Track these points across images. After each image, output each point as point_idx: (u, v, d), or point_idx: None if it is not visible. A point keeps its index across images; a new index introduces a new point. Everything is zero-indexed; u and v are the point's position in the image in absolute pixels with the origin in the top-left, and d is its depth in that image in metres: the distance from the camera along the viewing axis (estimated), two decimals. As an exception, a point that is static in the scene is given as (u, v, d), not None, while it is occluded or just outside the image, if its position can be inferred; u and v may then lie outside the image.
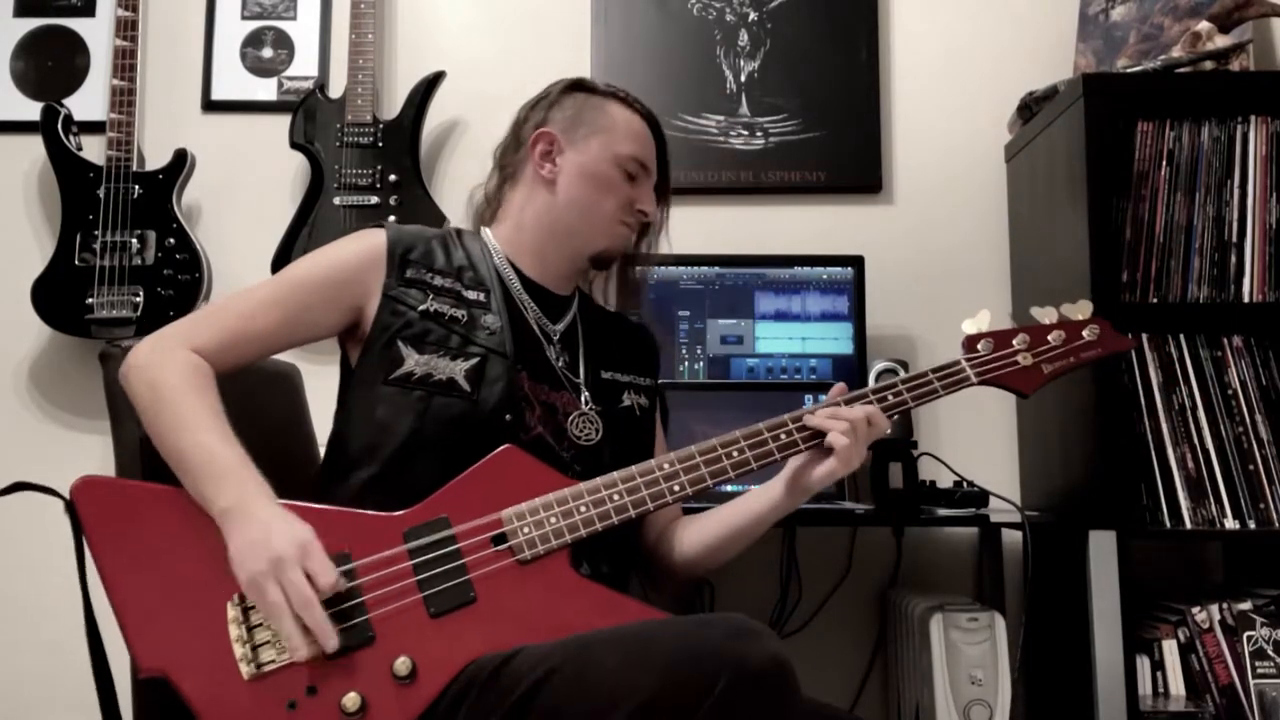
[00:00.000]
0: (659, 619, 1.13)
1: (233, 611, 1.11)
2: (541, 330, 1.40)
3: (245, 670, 1.08)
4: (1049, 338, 1.41)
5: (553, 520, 1.20)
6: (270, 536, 1.09)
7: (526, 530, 1.19)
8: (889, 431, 1.35)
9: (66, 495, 1.15)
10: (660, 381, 1.54)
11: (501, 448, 1.23)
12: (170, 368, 1.21)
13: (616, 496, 1.23)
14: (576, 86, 1.47)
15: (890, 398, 1.34)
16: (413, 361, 1.29)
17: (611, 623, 1.11)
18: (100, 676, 1.17)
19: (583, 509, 1.21)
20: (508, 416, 1.30)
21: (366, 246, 1.35)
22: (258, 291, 1.32)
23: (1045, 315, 1.43)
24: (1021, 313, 2.16)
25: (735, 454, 1.28)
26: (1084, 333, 1.42)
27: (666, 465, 1.26)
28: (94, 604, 1.16)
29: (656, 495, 1.24)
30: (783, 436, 1.30)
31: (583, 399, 1.37)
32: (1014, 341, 1.41)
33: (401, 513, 1.19)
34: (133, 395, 1.21)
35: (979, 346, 1.40)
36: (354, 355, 1.35)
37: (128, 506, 1.15)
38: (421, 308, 1.32)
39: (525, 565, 1.17)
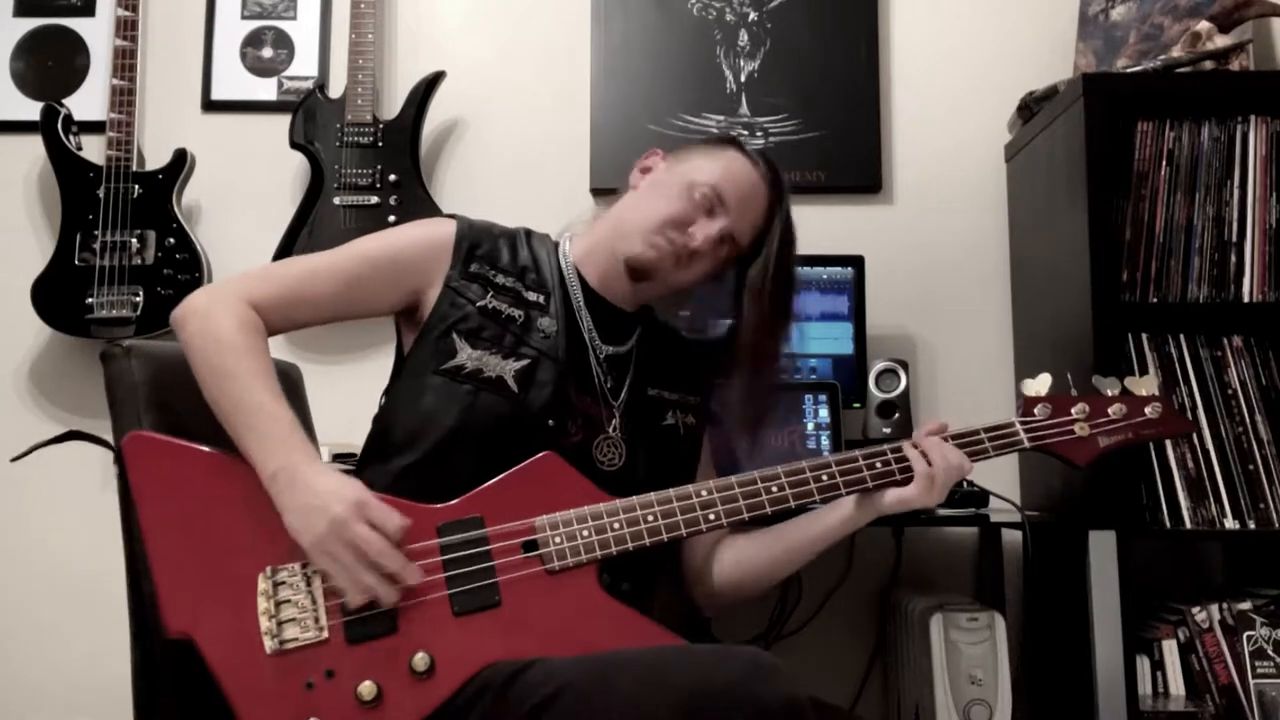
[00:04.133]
0: (678, 646, 1.13)
1: (263, 584, 1.12)
2: (593, 345, 1.38)
3: (268, 644, 1.09)
4: (1109, 410, 1.37)
5: (585, 534, 1.20)
6: (326, 500, 1.10)
7: (558, 540, 1.19)
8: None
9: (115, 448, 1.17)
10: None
11: (542, 454, 1.23)
12: (226, 319, 1.22)
13: (651, 518, 1.22)
14: (723, 140, 1.49)
15: None
16: (465, 355, 1.29)
17: (632, 644, 1.11)
18: (139, 634, 1.18)
19: (616, 526, 1.21)
20: (550, 422, 1.29)
21: (435, 234, 1.35)
22: (320, 258, 1.33)
23: (1108, 386, 1.39)
24: (1022, 312, 2.16)
25: (774, 489, 1.27)
26: (1146, 410, 1.38)
27: (704, 492, 1.25)
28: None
29: (691, 522, 1.24)
30: (824, 478, 1.28)
31: (612, 425, 1.36)
32: (1073, 410, 1.36)
33: (438, 506, 1.19)
34: (185, 340, 1.22)
35: (1035, 410, 1.36)
36: (408, 340, 1.36)
37: (175, 466, 1.16)
38: (480, 303, 1.32)
39: (553, 575, 1.17)
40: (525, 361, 1.31)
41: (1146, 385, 1.40)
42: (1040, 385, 1.39)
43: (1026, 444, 1.35)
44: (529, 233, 1.45)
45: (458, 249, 1.34)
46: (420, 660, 1.10)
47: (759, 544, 1.40)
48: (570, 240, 1.45)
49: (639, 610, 1.21)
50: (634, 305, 1.44)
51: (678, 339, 1.51)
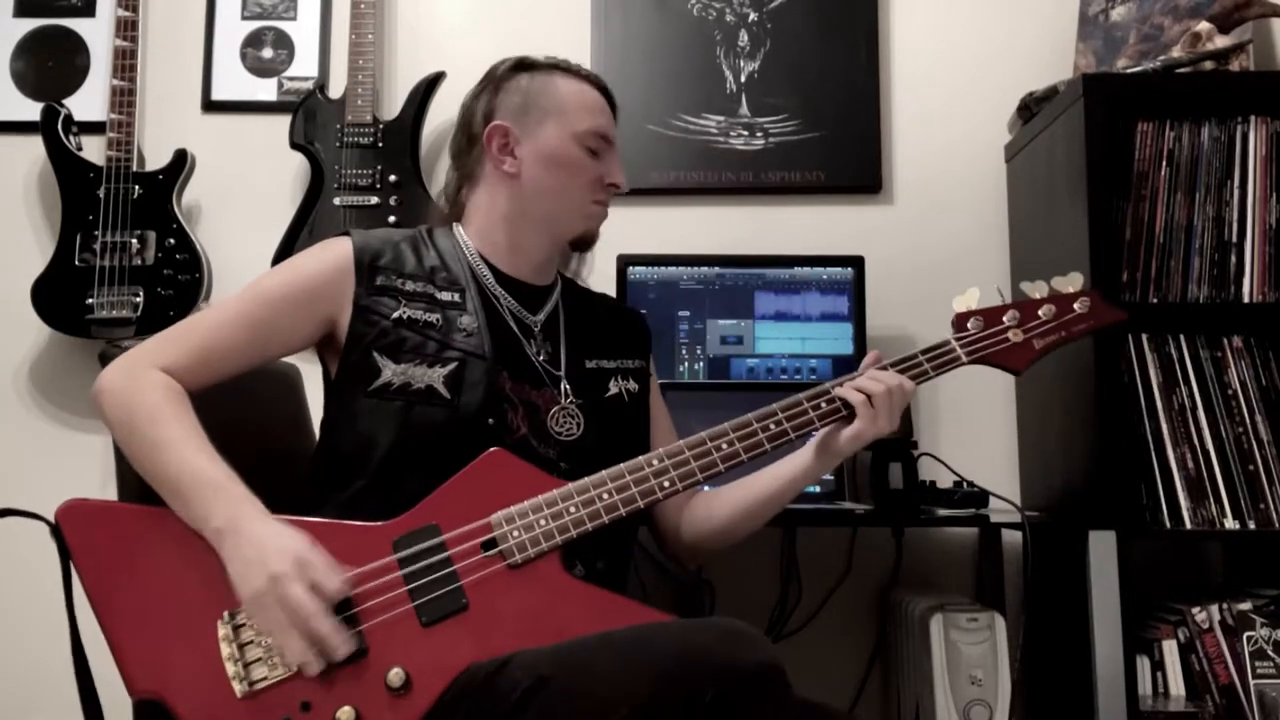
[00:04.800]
0: (653, 623, 1.12)
1: (223, 630, 1.10)
2: (520, 324, 1.37)
3: (238, 688, 1.08)
4: (1039, 312, 1.39)
5: (542, 522, 1.19)
6: (266, 554, 1.09)
7: (516, 534, 1.18)
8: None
9: (52, 517, 1.14)
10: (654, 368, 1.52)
11: (488, 451, 1.22)
12: (144, 388, 1.19)
13: (606, 495, 1.22)
14: (518, 68, 1.42)
15: None
16: (390, 371, 1.27)
17: (606, 623, 1.11)
18: (87, 701, 1.16)
19: (572, 509, 1.20)
20: (490, 420, 1.28)
21: (333, 257, 1.31)
22: (226, 309, 1.29)
23: (1035, 289, 1.41)
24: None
25: (724, 446, 1.28)
26: (1075, 305, 1.40)
27: (656, 461, 1.25)
28: (81, 627, 1.14)
29: (646, 492, 1.24)
30: (771, 426, 1.30)
31: (563, 393, 1.35)
32: (1004, 318, 1.39)
33: (390, 522, 1.17)
34: (107, 418, 1.20)
35: (969, 325, 1.39)
36: (333, 367, 1.33)
37: (114, 528, 1.14)
38: (395, 315, 1.29)
39: (516, 569, 1.16)
40: (452, 365, 1.28)
41: (1073, 282, 1.42)
42: (969, 300, 1.40)
43: (964, 359, 1.37)
44: (430, 230, 1.42)
45: (359, 266, 1.30)
46: (395, 676, 1.08)
47: (729, 497, 1.41)
48: (462, 230, 1.42)
49: (617, 587, 1.21)
50: (548, 279, 1.44)
51: (601, 305, 1.51)
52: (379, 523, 1.17)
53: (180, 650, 1.09)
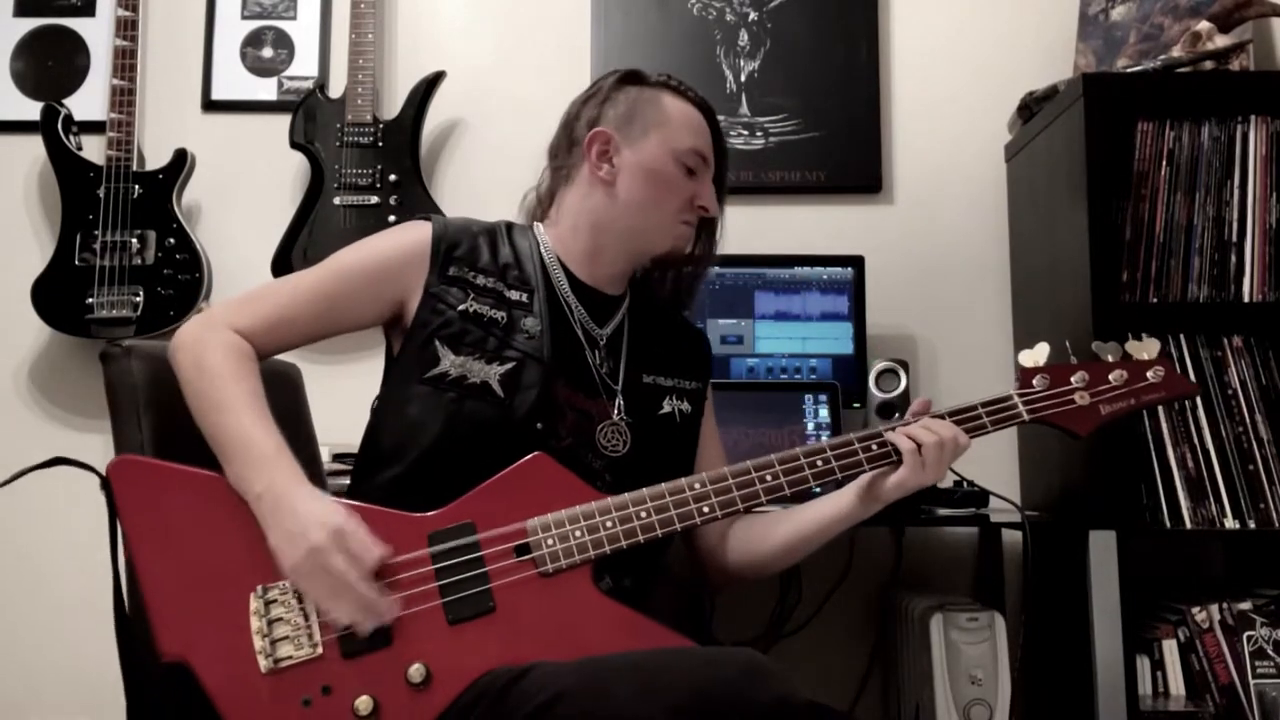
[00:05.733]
0: (674, 649, 1.12)
1: (255, 603, 1.11)
2: (586, 334, 1.37)
3: (263, 664, 1.09)
4: (1110, 377, 1.35)
5: (577, 534, 1.18)
6: (305, 527, 1.10)
7: (550, 543, 1.18)
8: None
9: (104, 470, 1.15)
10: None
11: (531, 455, 1.22)
12: (214, 348, 1.22)
13: (644, 514, 1.21)
14: (628, 79, 1.43)
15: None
16: (448, 362, 1.28)
17: (629, 643, 1.11)
18: (126, 657, 1.17)
19: (609, 524, 1.20)
20: (539, 425, 1.28)
21: (411, 240, 1.33)
22: (303, 278, 1.32)
23: (1109, 352, 1.36)
24: (1022, 312, 2.16)
25: (769, 478, 1.26)
26: (1148, 374, 1.35)
27: (698, 485, 1.24)
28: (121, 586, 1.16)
29: (685, 516, 1.22)
30: (819, 464, 1.28)
31: (616, 407, 1.35)
32: (1072, 379, 1.34)
33: (428, 514, 1.18)
34: (178, 373, 1.23)
35: (1034, 382, 1.34)
36: (396, 345, 1.35)
37: (163, 488, 1.15)
38: (461, 307, 1.30)
39: (547, 578, 1.16)
40: (510, 365, 1.29)
41: (1148, 349, 1.37)
42: (1038, 355, 1.36)
43: (1025, 417, 1.33)
44: (510, 225, 1.42)
45: (435, 253, 1.32)
46: (416, 671, 1.09)
47: (769, 529, 1.40)
48: (544, 230, 1.43)
49: (642, 605, 1.20)
50: (620, 289, 1.44)
51: (667, 321, 1.49)
52: (416, 514, 1.18)
53: (212, 620, 1.10)
